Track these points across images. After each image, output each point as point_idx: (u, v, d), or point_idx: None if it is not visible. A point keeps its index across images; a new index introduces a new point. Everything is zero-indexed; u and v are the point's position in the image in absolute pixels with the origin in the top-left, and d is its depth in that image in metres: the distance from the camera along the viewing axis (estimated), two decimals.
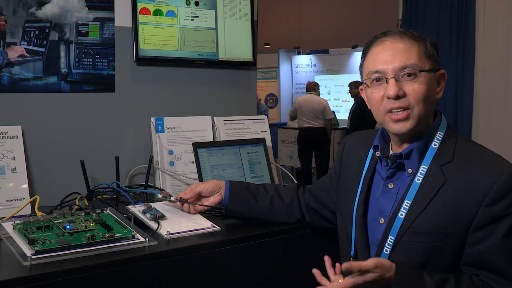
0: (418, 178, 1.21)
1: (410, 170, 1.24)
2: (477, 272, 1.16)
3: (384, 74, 1.21)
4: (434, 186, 1.18)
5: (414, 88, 1.18)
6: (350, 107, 7.82)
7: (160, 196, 1.59)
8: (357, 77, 1.45)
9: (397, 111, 1.20)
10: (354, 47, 10.31)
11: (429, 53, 1.22)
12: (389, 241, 1.22)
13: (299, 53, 11.75)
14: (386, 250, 1.22)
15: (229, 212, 1.58)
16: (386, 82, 1.20)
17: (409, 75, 1.19)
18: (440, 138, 1.22)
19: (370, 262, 1.13)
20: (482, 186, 1.13)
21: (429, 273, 1.16)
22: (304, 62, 11.58)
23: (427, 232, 1.18)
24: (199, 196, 1.57)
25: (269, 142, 2.11)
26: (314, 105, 6.72)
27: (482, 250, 1.14)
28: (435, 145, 1.22)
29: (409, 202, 1.21)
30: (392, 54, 1.20)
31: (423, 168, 1.21)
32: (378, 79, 1.22)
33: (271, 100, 11.69)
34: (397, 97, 1.18)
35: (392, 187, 1.27)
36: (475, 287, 1.15)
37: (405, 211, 1.21)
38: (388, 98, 1.19)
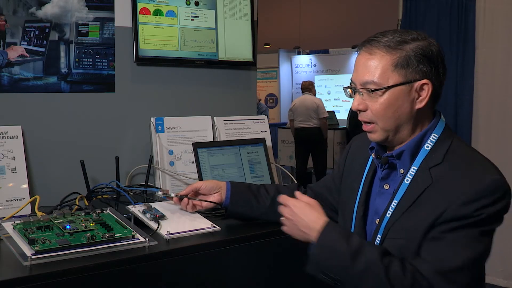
0: (407, 179, 1.22)
1: (402, 171, 1.25)
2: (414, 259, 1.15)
3: (355, 86, 1.24)
4: (420, 187, 1.19)
5: (373, 105, 1.21)
6: (350, 107, 7.82)
7: (160, 193, 1.59)
8: None
9: (365, 123, 1.25)
10: (354, 47, 10.28)
11: (404, 63, 1.18)
12: (377, 240, 1.23)
13: (299, 53, 11.75)
14: None
15: (230, 213, 1.57)
16: (354, 93, 1.25)
17: (370, 91, 1.20)
18: (434, 140, 1.22)
19: (309, 200, 1.29)
20: (462, 187, 1.13)
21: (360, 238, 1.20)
22: (304, 62, 11.59)
23: (405, 229, 1.18)
24: (198, 194, 1.57)
25: (269, 142, 2.11)
26: (307, 105, 6.72)
27: (431, 237, 1.14)
28: (427, 147, 1.22)
29: (396, 201, 1.22)
30: (359, 67, 1.23)
31: (413, 169, 1.22)
32: (352, 89, 1.27)
33: (271, 100, 11.70)
34: (359, 111, 1.23)
35: (387, 188, 1.28)
36: (399, 267, 1.12)
37: (391, 210, 1.22)
38: None
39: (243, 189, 1.57)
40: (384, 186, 1.28)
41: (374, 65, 1.19)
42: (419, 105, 1.20)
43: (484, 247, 1.14)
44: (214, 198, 1.56)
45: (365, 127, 1.25)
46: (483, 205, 1.11)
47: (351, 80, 1.26)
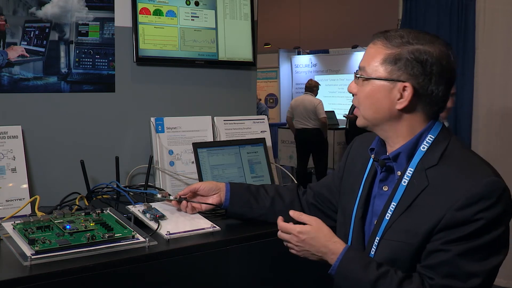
0: (405, 181, 1.21)
1: (399, 173, 1.24)
2: (431, 274, 1.14)
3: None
4: (417, 189, 1.18)
5: (358, 91, 1.26)
6: (350, 107, 7.81)
7: (159, 196, 1.59)
8: None
9: (356, 107, 1.30)
10: (354, 47, 10.31)
11: (392, 60, 1.19)
12: (375, 241, 1.23)
13: (299, 53, 11.75)
14: (372, 250, 1.23)
15: (230, 214, 1.57)
16: None
17: (358, 77, 1.25)
18: (430, 141, 1.21)
19: (309, 219, 1.30)
20: (457, 191, 1.12)
21: (379, 263, 1.18)
22: (304, 62, 11.59)
23: (403, 231, 1.18)
24: (196, 195, 1.57)
25: (269, 142, 2.11)
26: (306, 105, 6.71)
27: (437, 249, 1.13)
28: (423, 148, 1.21)
29: (395, 204, 1.21)
30: (365, 52, 1.27)
31: (409, 171, 1.21)
32: None
33: (271, 100, 11.70)
34: (352, 93, 1.28)
35: (386, 189, 1.27)
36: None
37: (390, 213, 1.22)
38: None
39: (243, 190, 1.57)
40: (383, 188, 1.28)
41: (370, 55, 1.23)
42: (399, 106, 1.20)
43: (494, 257, 1.12)
44: (213, 199, 1.56)
45: (354, 111, 1.31)
46: (481, 208, 1.09)
47: None
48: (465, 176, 1.14)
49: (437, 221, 1.13)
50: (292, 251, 1.32)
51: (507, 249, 1.16)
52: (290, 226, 1.30)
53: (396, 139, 1.25)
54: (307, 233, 1.27)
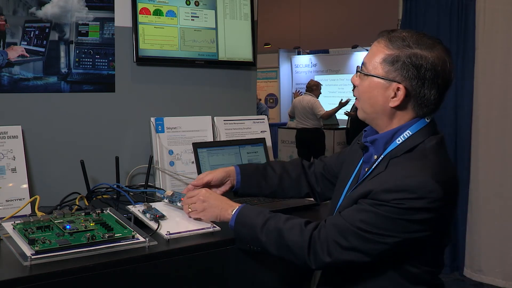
0: (376, 166, 1.30)
1: (375, 157, 1.33)
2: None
3: None
4: (375, 174, 1.28)
5: (359, 84, 1.34)
6: (351, 106, 7.81)
7: (166, 201, 1.58)
8: None
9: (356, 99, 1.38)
10: (354, 47, 10.31)
11: (390, 61, 1.26)
12: None
13: (299, 53, 11.75)
14: None
15: (240, 194, 1.62)
16: None
17: (358, 72, 1.33)
18: (406, 136, 1.29)
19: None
20: (393, 178, 1.20)
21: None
22: (304, 62, 11.59)
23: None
24: (209, 186, 1.58)
25: (269, 142, 2.11)
26: (304, 105, 6.73)
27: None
28: (398, 141, 1.29)
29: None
30: (370, 49, 1.34)
31: (381, 157, 1.30)
32: None
33: (271, 100, 11.70)
34: (354, 85, 1.37)
35: (367, 171, 1.33)
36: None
37: None
38: None
39: (252, 171, 1.62)
40: (366, 169, 1.35)
41: (373, 52, 1.30)
42: (392, 104, 1.28)
43: (390, 237, 1.19)
44: (226, 187, 1.60)
45: (355, 102, 1.39)
46: (401, 197, 1.16)
47: None
48: (409, 169, 1.22)
49: (363, 194, 1.24)
50: (193, 213, 1.48)
51: (406, 238, 1.20)
52: (192, 191, 1.51)
53: (382, 129, 1.34)
54: (210, 194, 1.47)
